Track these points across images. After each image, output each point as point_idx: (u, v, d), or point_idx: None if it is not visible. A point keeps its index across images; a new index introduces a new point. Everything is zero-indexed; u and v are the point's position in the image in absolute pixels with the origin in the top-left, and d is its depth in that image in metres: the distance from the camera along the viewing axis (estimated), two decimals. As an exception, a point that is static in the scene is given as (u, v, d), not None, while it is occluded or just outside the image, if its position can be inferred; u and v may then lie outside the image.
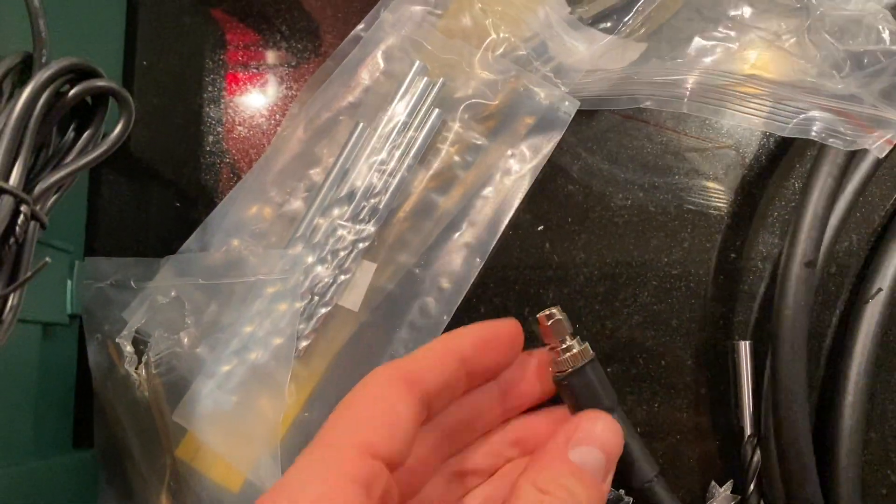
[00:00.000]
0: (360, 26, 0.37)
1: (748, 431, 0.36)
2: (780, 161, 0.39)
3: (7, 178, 0.24)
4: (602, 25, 0.36)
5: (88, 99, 0.27)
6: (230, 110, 0.39)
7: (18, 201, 0.24)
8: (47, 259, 0.24)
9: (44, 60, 0.25)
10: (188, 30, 0.40)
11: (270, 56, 0.40)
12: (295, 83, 0.40)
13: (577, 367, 0.31)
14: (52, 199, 0.26)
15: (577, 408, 0.32)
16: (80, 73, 0.26)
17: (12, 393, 0.31)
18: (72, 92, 0.26)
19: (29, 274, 0.24)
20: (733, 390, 0.36)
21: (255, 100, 0.39)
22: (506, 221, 0.36)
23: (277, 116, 0.39)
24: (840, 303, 0.38)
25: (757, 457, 0.35)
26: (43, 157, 0.27)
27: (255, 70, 0.40)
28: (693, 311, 0.38)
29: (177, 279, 0.35)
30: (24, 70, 0.26)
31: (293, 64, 0.40)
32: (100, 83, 0.26)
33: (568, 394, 0.32)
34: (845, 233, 0.38)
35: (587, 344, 0.32)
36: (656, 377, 0.37)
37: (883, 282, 0.36)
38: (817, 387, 0.37)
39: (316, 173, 0.36)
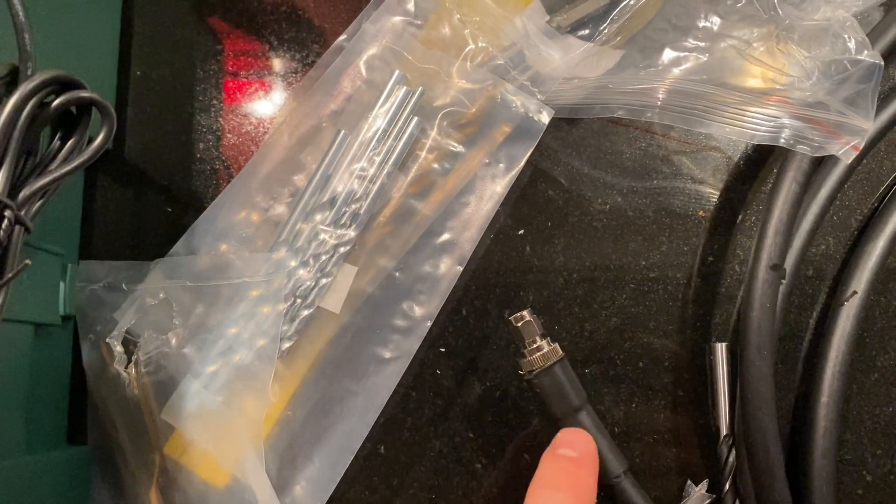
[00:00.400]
0: (343, 36, 0.38)
1: (724, 432, 0.36)
2: (759, 165, 0.39)
3: (-8, 185, 0.25)
4: (580, 33, 0.37)
5: (73, 109, 0.29)
6: (220, 118, 0.41)
7: (2, 206, 0.25)
8: (27, 261, 0.25)
9: (29, 73, 0.27)
10: (180, 41, 0.41)
11: (260, 66, 0.41)
12: (283, 92, 0.41)
13: (546, 366, 0.33)
14: (38, 204, 0.27)
15: (546, 405, 0.33)
16: (64, 85, 0.28)
17: (5, 390, 0.32)
18: (55, 103, 0.27)
19: (10, 275, 0.25)
20: (710, 391, 0.37)
21: (244, 108, 0.41)
22: (483, 227, 0.37)
23: (265, 124, 0.40)
24: (817, 305, 0.38)
25: (732, 457, 0.36)
26: (30, 165, 0.28)
27: (244, 79, 0.41)
28: (670, 314, 0.38)
29: (165, 281, 0.37)
30: (11, 82, 0.27)
31: (281, 73, 0.41)
32: (82, 94, 0.28)
33: (538, 392, 0.33)
34: (822, 236, 0.38)
35: (556, 344, 0.33)
36: (634, 378, 0.38)
37: (858, 285, 0.36)
38: (794, 388, 0.38)
39: (300, 179, 0.38)
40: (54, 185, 0.28)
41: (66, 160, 0.28)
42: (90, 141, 0.29)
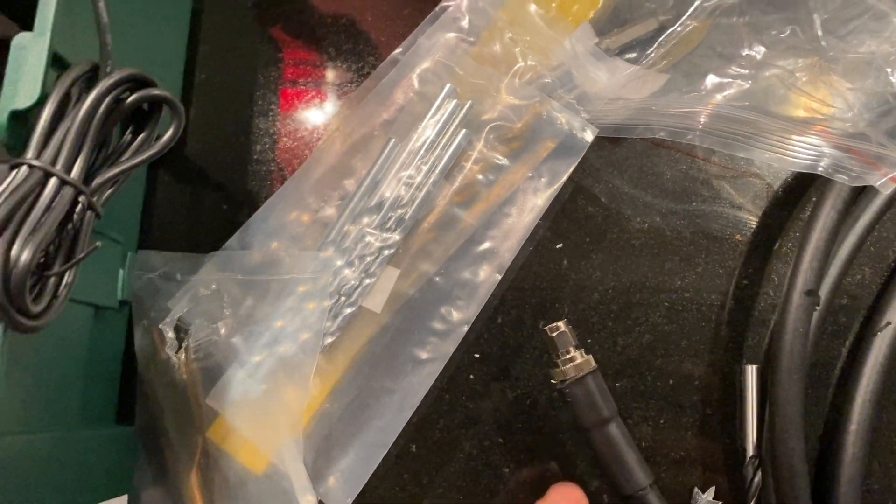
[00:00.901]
0: (398, 50, 0.40)
1: (750, 453, 0.37)
2: (798, 194, 0.40)
3: (69, 172, 0.27)
4: (627, 56, 0.38)
5: (145, 106, 0.31)
6: (277, 123, 0.42)
7: (77, 192, 0.27)
8: (98, 243, 0.27)
9: (108, 70, 0.29)
10: (243, 49, 0.43)
11: (317, 75, 0.43)
12: (338, 100, 0.43)
13: (579, 376, 0.33)
14: (108, 192, 0.29)
15: (577, 415, 0.34)
16: (138, 83, 0.30)
17: (64, 365, 0.34)
18: (130, 99, 0.29)
19: (81, 255, 0.27)
20: (738, 412, 0.38)
21: (300, 114, 0.43)
22: (524, 238, 0.38)
23: (319, 130, 0.42)
24: (850, 334, 0.39)
25: (758, 478, 0.36)
26: (103, 155, 0.30)
27: (302, 87, 0.43)
28: (703, 334, 0.39)
29: (218, 273, 0.38)
30: (92, 78, 0.29)
31: (337, 83, 0.43)
32: (155, 92, 0.30)
33: (569, 401, 0.34)
34: (858, 266, 0.39)
35: (590, 356, 0.34)
36: (664, 395, 0.39)
37: (892, 315, 0.37)
38: (823, 414, 0.38)
39: (350, 184, 0.39)
40: (124, 176, 0.30)
41: (136, 153, 0.30)
42: (159, 136, 0.31)
